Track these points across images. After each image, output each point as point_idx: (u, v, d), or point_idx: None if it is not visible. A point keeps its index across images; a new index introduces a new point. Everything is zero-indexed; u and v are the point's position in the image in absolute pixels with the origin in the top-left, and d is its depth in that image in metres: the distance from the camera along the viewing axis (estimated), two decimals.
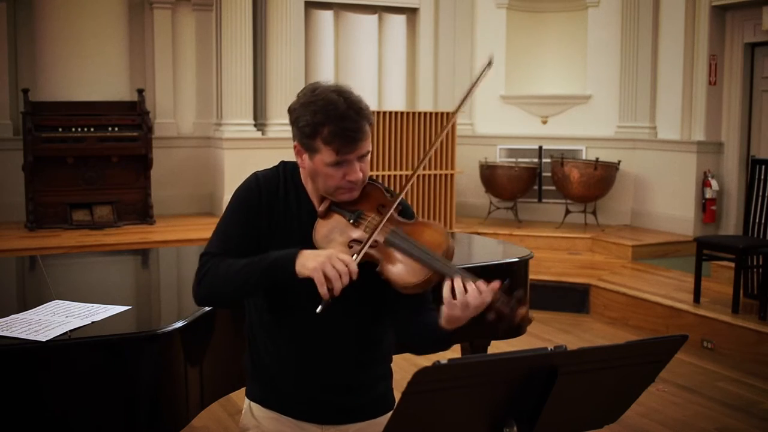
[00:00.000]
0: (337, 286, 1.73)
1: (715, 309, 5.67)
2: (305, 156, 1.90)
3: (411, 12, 9.41)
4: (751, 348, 5.27)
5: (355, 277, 1.75)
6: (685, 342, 1.54)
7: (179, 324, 2.27)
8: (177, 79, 8.57)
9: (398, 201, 1.90)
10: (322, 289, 1.73)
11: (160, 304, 2.91)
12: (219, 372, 2.50)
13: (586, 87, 8.94)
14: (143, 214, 7.73)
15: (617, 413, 1.65)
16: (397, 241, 1.84)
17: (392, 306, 1.93)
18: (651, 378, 1.62)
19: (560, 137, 8.84)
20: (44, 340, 2.07)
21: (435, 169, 8.10)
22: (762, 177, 5.83)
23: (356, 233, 1.88)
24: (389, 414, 1.67)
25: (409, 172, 7.92)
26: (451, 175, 8.20)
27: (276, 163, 2.06)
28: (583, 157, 8.57)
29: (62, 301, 2.46)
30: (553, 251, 7.64)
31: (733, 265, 5.65)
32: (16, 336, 2.09)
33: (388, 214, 1.87)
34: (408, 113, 8.05)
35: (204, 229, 7.40)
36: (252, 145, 8.10)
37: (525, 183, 8.49)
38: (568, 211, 8.34)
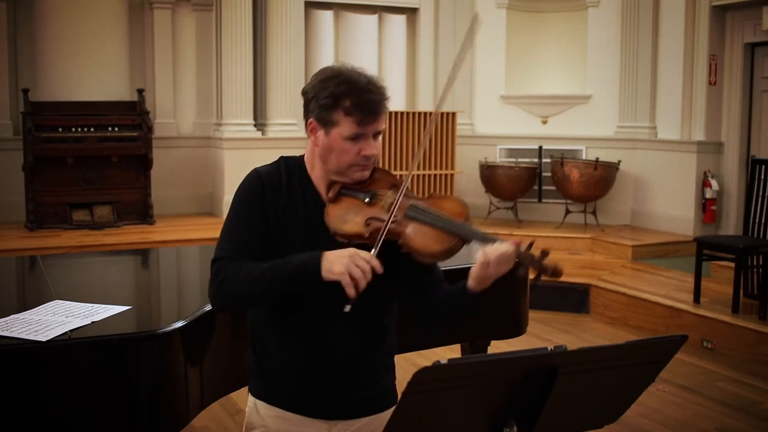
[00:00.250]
0: (362, 285, 1.76)
1: (715, 309, 5.67)
2: (320, 133, 1.89)
3: (411, 12, 9.41)
4: (751, 348, 5.28)
5: (379, 271, 1.77)
6: (685, 342, 1.54)
7: (179, 324, 2.27)
8: (177, 79, 8.57)
9: (409, 178, 1.92)
10: (351, 291, 1.75)
11: (160, 304, 2.91)
12: (219, 372, 2.50)
13: (586, 87, 8.94)
14: (143, 214, 7.73)
15: (617, 413, 1.65)
16: (418, 214, 1.86)
17: (417, 286, 1.97)
18: (651, 378, 1.62)
19: (560, 137, 8.84)
20: (44, 340, 2.07)
21: (435, 169, 8.10)
22: (762, 177, 5.82)
23: (373, 211, 1.88)
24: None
25: (405, 172, 7.92)
26: (451, 175, 8.21)
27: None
28: (583, 157, 8.57)
29: (62, 301, 2.46)
30: (553, 251, 7.59)
31: (733, 265, 5.65)
32: (16, 336, 2.09)
33: (404, 188, 1.88)
34: (408, 113, 8.05)
35: (204, 229, 7.40)
36: (252, 145, 8.10)
37: (525, 183, 8.49)
38: (568, 211, 8.34)
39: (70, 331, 2.16)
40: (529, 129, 9.06)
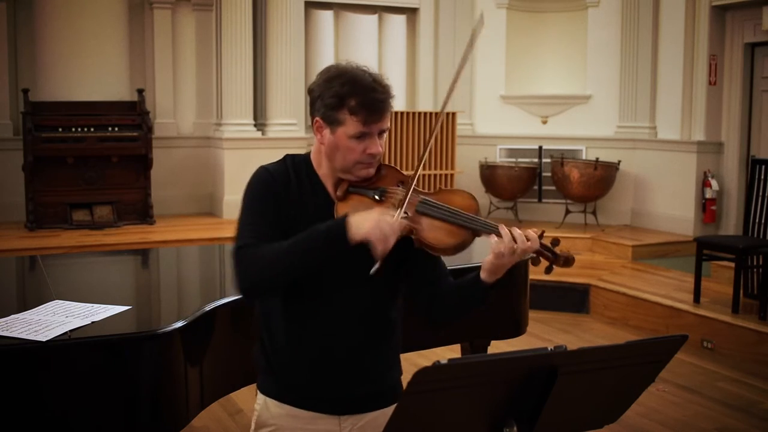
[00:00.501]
0: (390, 242, 1.77)
1: (715, 309, 5.67)
2: (326, 131, 1.91)
3: (411, 12, 9.41)
4: (751, 348, 5.27)
5: (400, 233, 1.81)
6: (685, 342, 1.54)
7: (179, 324, 2.26)
8: (177, 79, 8.57)
9: (418, 172, 1.94)
10: (380, 246, 1.76)
11: (160, 304, 2.91)
12: (219, 372, 2.50)
13: (586, 87, 8.94)
14: (143, 214, 7.73)
15: (617, 413, 1.65)
16: (429, 209, 1.90)
17: (423, 278, 2.00)
18: (651, 378, 1.62)
19: (560, 137, 8.84)
20: (44, 340, 2.07)
21: (435, 169, 8.10)
22: (762, 177, 5.82)
23: (384, 208, 1.88)
24: None
25: (410, 172, 7.93)
26: (451, 175, 8.21)
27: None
28: (583, 157, 8.57)
29: (62, 301, 2.46)
30: None
31: (733, 265, 5.65)
32: (16, 336, 2.09)
33: (413, 184, 1.90)
34: (408, 113, 8.05)
35: (204, 229, 7.40)
36: (252, 145, 8.10)
37: (525, 183, 8.49)
38: (568, 211, 8.34)
39: (70, 331, 2.16)
40: (529, 129, 9.06)
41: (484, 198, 8.84)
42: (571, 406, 1.53)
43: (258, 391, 2.06)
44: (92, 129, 7.41)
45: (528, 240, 1.85)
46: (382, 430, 1.43)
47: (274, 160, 2.01)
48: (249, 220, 1.92)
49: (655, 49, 8.24)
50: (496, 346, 3.03)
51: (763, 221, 5.80)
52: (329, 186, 1.96)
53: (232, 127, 8.17)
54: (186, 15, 8.56)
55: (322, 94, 1.90)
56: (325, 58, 9.00)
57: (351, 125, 1.87)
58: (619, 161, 8.32)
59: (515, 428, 1.47)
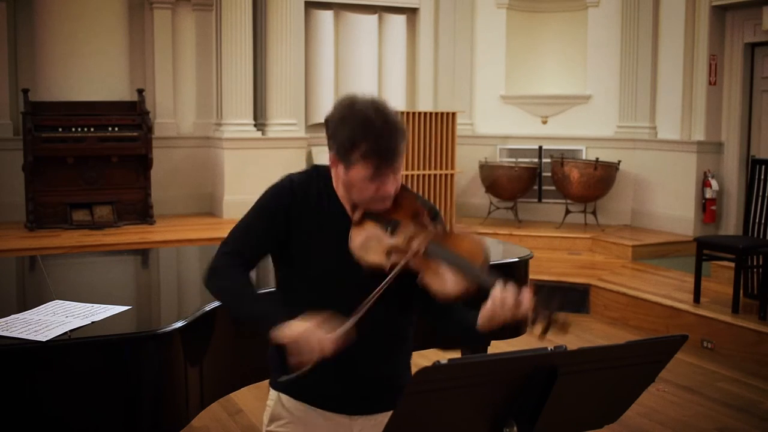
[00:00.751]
0: (306, 360, 1.79)
1: (715, 309, 5.67)
2: (341, 167, 1.93)
3: (411, 12, 9.41)
4: (751, 348, 5.27)
5: (328, 354, 1.80)
6: (685, 342, 1.54)
7: (179, 324, 2.26)
8: (177, 79, 8.56)
9: (426, 210, 1.95)
10: (296, 360, 1.79)
11: (160, 304, 2.91)
12: (219, 372, 2.50)
13: (586, 87, 8.93)
14: (143, 214, 7.73)
15: (617, 413, 1.65)
16: (437, 252, 1.86)
17: (427, 308, 2.00)
18: (651, 378, 1.62)
19: (560, 137, 8.84)
20: (44, 340, 2.07)
21: (435, 169, 8.10)
22: (762, 177, 5.82)
23: (394, 241, 1.90)
24: None
25: (410, 172, 7.93)
26: (451, 175, 8.20)
27: (279, 164, 2.09)
28: (583, 157, 8.57)
29: (62, 301, 2.46)
30: (553, 251, 7.64)
31: (733, 265, 5.65)
32: (16, 336, 2.08)
33: (425, 222, 1.91)
34: (408, 113, 8.04)
35: (204, 229, 7.40)
36: (252, 145, 8.10)
37: (525, 183, 8.49)
38: (568, 211, 8.34)
39: (70, 331, 2.15)
40: (529, 129, 9.06)
41: (484, 198, 8.84)
42: (571, 406, 1.53)
43: (270, 389, 2.11)
44: (92, 129, 7.41)
45: (521, 304, 1.76)
46: (383, 430, 1.44)
47: (301, 170, 2.08)
48: (246, 224, 2.03)
49: (655, 49, 8.24)
50: (496, 346, 3.02)
51: (763, 221, 5.80)
52: (347, 205, 2.00)
53: (232, 127, 8.17)
54: (186, 15, 8.56)
55: (335, 134, 1.92)
56: (325, 58, 9.01)
57: (363, 168, 1.89)
58: (619, 161, 8.32)
59: (515, 428, 1.47)
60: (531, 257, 3.51)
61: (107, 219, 7.50)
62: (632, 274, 6.88)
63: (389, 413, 1.97)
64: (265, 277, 2.75)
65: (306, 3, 8.86)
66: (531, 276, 3.57)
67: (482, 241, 1.94)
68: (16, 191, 7.57)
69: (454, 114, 8.36)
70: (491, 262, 3.22)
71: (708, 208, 7.83)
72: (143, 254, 4.38)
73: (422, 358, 1.92)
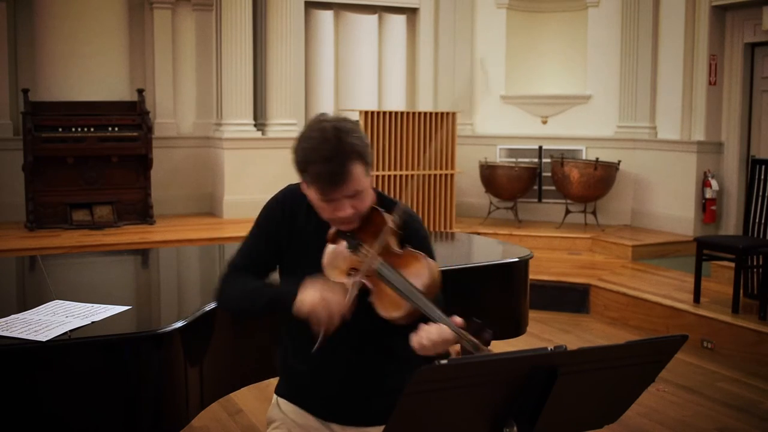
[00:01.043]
0: (333, 324, 1.82)
1: (715, 309, 5.66)
2: (304, 185, 1.94)
3: (411, 12, 9.41)
4: (751, 348, 5.27)
5: (347, 318, 1.83)
6: (685, 342, 1.54)
7: (179, 324, 2.26)
8: (177, 79, 8.57)
9: (391, 230, 1.90)
10: (324, 326, 1.82)
11: (160, 304, 2.91)
12: (219, 372, 2.50)
13: (586, 87, 8.94)
14: (143, 214, 7.73)
15: (617, 413, 1.65)
16: (384, 273, 1.86)
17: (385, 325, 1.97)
18: (651, 378, 1.62)
19: (560, 137, 8.84)
20: (44, 340, 2.07)
21: (435, 169, 8.10)
22: (762, 177, 5.82)
23: (354, 262, 1.91)
24: None
25: (409, 172, 7.93)
26: (451, 175, 8.20)
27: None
28: (583, 157, 8.57)
29: (62, 301, 2.46)
30: (553, 251, 7.64)
31: (733, 265, 5.65)
32: (16, 336, 2.08)
33: (380, 242, 1.88)
34: (408, 113, 8.04)
35: (204, 230, 7.40)
36: (252, 145, 8.10)
37: (525, 183, 8.49)
38: (568, 211, 8.34)
39: (70, 331, 2.15)
40: (529, 129, 9.06)
41: (484, 198, 8.84)
42: (571, 406, 1.53)
43: (275, 392, 2.17)
44: (92, 129, 7.41)
45: (444, 341, 1.73)
46: (383, 431, 1.44)
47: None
48: (247, 241, 2.09)
49: (655, 49, 8.24)
50: (496, 346, 3.02)
51: (763, 221, 5.80)
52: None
53: (232, 127, 8.18)
54: (186, 15, 8.56)
55: (295, 153, 1.92)
56: (325, 58, 9.01)
57: (314, 191, 1.88)
58: (619, 161, 8.32)
59: (515, 428, 1.47)
60: (531, 257, 3.51)
61: (107, 219, 7.50)
62: (632, 274, 6.88)
63: (381, 427, 2.00)
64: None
65: (306, 3, 8.86)
66: (531, 276, 3.58)
67: (431, 264, 1.89)
68: (16, 191, 7.57)
69: (454, 114, 8.36)
70: (491, 263, 3.21)
71: (708, 208, 7.83)
72: (143, 254, 4.38)
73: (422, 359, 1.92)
